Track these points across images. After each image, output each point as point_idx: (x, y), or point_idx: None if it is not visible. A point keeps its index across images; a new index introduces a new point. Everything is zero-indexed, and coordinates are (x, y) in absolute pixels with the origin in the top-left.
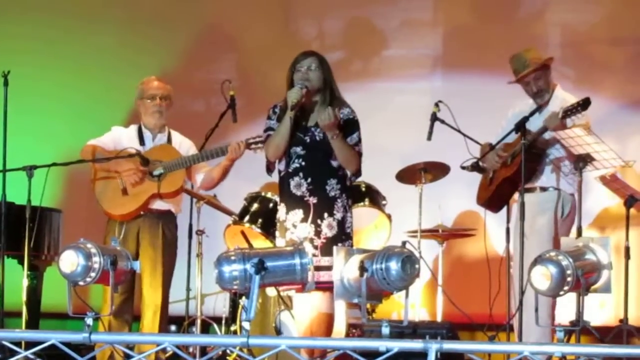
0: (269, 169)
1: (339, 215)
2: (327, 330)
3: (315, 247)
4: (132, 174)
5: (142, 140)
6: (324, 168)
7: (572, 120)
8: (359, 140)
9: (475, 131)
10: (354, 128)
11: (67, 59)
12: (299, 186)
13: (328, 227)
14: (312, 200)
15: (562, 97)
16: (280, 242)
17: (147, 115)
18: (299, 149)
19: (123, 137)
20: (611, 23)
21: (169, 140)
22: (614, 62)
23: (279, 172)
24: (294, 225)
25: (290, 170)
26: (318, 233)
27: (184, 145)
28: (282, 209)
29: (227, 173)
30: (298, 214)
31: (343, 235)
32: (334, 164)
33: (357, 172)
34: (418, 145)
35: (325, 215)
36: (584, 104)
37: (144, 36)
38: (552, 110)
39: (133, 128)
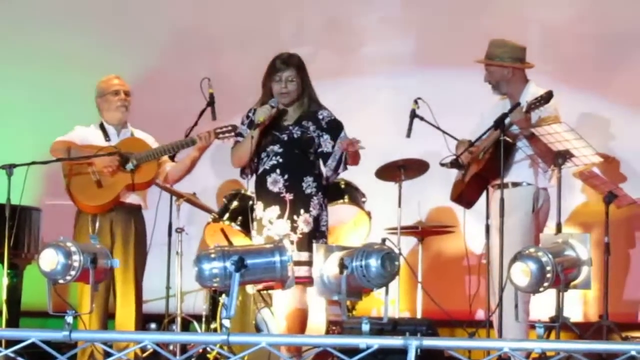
0: (244, 172)
1: (314, 212)
2: (301, 325)
3: (291, 242)
4: (105, 166)
5: (107, 137)
6: (300, 165)
7: (537, 114)
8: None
9: (454, 128)
10: (339, 129)
11: (46, 57)
12: (275, 183)
13: (304, 222)
14: (289, 196)
15: (534, 92)
16: (257, 239)
17: (111, 111)
18: (276, 147)
19: (88, 135)
20: (589, 18)
21: (132, 136)
22: (592, 58)
23: (256, 172)
24: (270, 222)
25: (267, 167)
26: (294, 229)
27: (147, 141)
28: (259, 206)
29: (195, 165)
30: (274, 210)
31: (317, 233)
32: (311, 161)
33: (336, 172)
34: (397, 142)
35: (302, 211)
36: (547, 97)
37: (122, 34)
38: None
39: (94, 126)
